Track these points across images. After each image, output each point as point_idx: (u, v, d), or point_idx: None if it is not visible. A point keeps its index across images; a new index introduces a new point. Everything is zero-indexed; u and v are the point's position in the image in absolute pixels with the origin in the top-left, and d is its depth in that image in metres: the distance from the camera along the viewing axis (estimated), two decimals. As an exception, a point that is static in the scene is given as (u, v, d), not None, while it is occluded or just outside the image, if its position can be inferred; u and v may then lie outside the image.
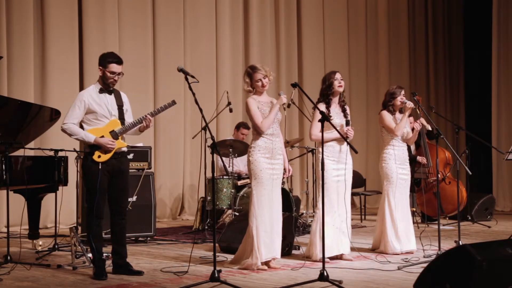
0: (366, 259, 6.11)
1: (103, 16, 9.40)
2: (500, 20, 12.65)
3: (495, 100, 12.65)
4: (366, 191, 10.53)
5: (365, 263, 5.93)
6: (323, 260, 4.99)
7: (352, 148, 5.35)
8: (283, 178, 8.30)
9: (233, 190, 7.96)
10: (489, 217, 9.90)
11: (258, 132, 5.64)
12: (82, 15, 9.28)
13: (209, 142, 5.27)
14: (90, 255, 5.71)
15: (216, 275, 4.86)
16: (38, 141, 7.95)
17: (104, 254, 5.38)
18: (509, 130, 12.54)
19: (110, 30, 9.46)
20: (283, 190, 7.81)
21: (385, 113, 6.66)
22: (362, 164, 12.16)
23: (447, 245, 6.63)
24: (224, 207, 8.10)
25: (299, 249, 6.57)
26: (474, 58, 14.04)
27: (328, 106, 6.10)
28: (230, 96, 8.49)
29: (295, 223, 6.95)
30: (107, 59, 5.29)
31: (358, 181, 10.46)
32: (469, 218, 9.53)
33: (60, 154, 6.52)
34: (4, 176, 5.77)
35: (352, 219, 9.77)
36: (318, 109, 5.61)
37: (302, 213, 8.70)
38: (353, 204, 12.09)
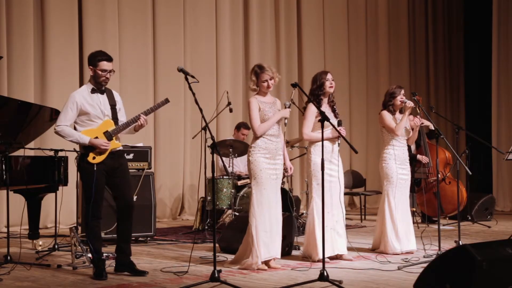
0: (366, 259, 6.11)
1: (103, 16, 9.40)
2: (500, 20, 12.65)
3: (495, 100, 12.65)
4: (366, 191, 10.53)
5: (365, 263, 5.93)
6: (323, 260, 4.99)
7: (352, 148, 5.34)
8: (284, 177, 8.35)
9: (233, 190, 7.96)
10: (489, 217, 9.90)
11: (253, 132, 5.66)
12: (82, 15, 9.29)
13: (209, 142, 5.26)
14: (90, 255, 5.71)
15: (216, 275, 4.86)
16: (38, 141, 7.95)
17: (104, 254, 5.38)
18: (509, 130, 12.54)
19: (110, 30, 9.46)
20: (283, 190, 7.84)
21: (385, 113, 6.66)
22: (362, 164, 12.15)
23: (447, 245, 6.63)
24: (224, 207, 8.10)
25: (299, 249, 6.58)
26: (474, 58, 14.04)
27: (319, 106, 6.10)
28: (230, 96, 8.49)
29: (295, 223, 6.95)
30: (96, 57, 5.25)
31: (358, 181, 10.48)
32: (469, 218, 9.53)
33: (60, 154, 6.51)
34: (4, 176, 5.76)
35: (352, 219, 9.82)
36: (318, 109, 5.61)
37: (302, 213, 8.69)
38: (353, 204, 12.12)
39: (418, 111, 6.80)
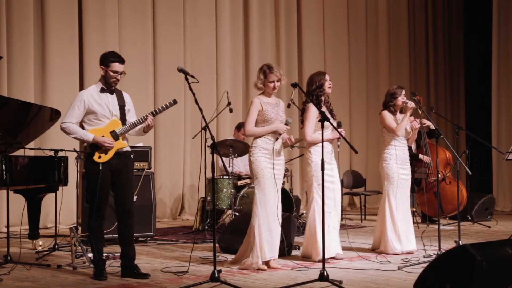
0: (366, 259, 6.11)
1: (103, 16, 9.40)
2: (500, 20, 12.66)
3: (495, 100, 12.65)
4: (366, 191, 10.52)
5: (365, 263, 5.93)
6: (323, 260, 4.99)
7: (352, 148, 5.34)
8: (284, 177, 8.35)
9: (233, 190, 7.96)
10: (489, 217, 9.90)
11: (244, 132, 5.69)
12: (82, 15, 9.29)
13: (209, 142, 5.26)
14: (90, 255, 5.71)
15: (216, 275, 4.86)
16: (38, 141, 7.95)
17: (104, 255, 5.37)
18: (509, 130, 12.54)
19: (110, 30, 9.46)
20: (283, 190, 7.84)
21: (386, 113, 6.66)
22: (362, 164, 12.15)
23: (447, 245, 6.63)
24: (224, 207, 8.10)
25: (299, 249, 6.57)
26: (474, 58, 14.05)
27: (319, 107, 6.10)
28: (230, 96, 8.49)
29: (295, 223, 6.95)
30: (109, 58, 5.26)
31: (358, 181, 10.48)
32: (469, 218, 9.53)
33: (60, 154, 6.51)
34: (4, 176, 5.76)
35: (352, 219, 9.81)
36: (318, 109, 5.61)
37: (302, 213, 8.69)
38: (353, 204, 12.12)
39: (419, 112, 6.80)
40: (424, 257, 6.10)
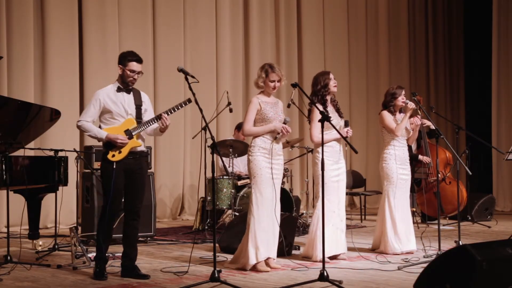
0: (366, 259, 6.11)
1: (103, 16, 9.40)
2: (500, 20, 12.66)
3: (495, 100, 12.65)
4: (366, 191, 10.53)
5: (365, 263, 5.93)
6: (323, 260, 4.99)
7: (352, 148, 5.34)
8: (284, 177, 8.34)
9: (233, 190, 7.96)
10: (489, 217, 9.90)
11: (242, 131, 5.67)
12: (82, 15, 9.29)
13: (209, 142, 5.26)
14: (90, 255, 5.71)
15: (216, 275, 4.86)
16: (38, 141, 7.95)
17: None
18: (509, 130, 12.54)
19: (110, 30, 9.46)
20: (283, 190, 7.84)
21: (385, 113, 6.66)
22: (362, 164, 12.16)
23: (447, 245, 6.63)
24: (224, 207, 8.10)
25: (299, 249, 6.57)
26: (474, 58, 14.05)
27: (325, 107, 6.10)
28: (230, 96, 8.49)
29: (295, 223, 6.95)
30: (127, 57, 5.26)
31: (358, 181, 10.48)
32: (469, 218, 9.53)
33: (60, 154, 6.51)
34: (4, 176, 5.76)
35: (352, 219, 9.82)
36: (318, 109, 5.59)
37: (302, 213, 8.69)
38: (353, 204, 12.12)
39: (419, 112, 6.80)
40: (424, 257, 6.10)
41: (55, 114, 6.47)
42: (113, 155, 5.17)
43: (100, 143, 5.51)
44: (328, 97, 6.17)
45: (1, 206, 8.10)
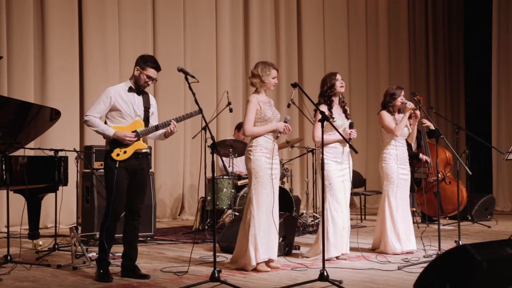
0: (366, 259, 6.11)
1: (103, 16, 9.40)
2: (500, 20, 12.66)
3: (495, 100, 12.66)
4: (366, 191, 10.52)
5: (365, 263, 5.93)
6: (323, 260, 4.99)
7: (352, 148, 5.35)
8: (284, 177, 8.35)
9: (233, 190, 7.96)
10: (489, 217, 9.90)
11: (243, 132, 5.63)
12: (82, 15, 9.29)
13: (209, 142, 5.26)
14: (90, 254, 5.71)
15: (216, 275, 4.86)
16: (38, 141, 7.95)
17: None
18: (509, 130, 12.55)
19: (110, 30, 9.46)
20: (283, 190, 7.85)
21: (384, 113, 6.67)
22: (362, 164, 12.16)
23: (447, 245, 6.63)
24: (224, 207, 8.10)
25: (299, 249, 6.57)
26: (474, 58, 14.05)
27: (330, 108, 6.10)
28: (230, 96, 8.47)
29: (295, 223, 6.95)
30: (147, 62, 5.28)
31: (358, 181, 10.47)
32: (469, 218, 9.53)
33: (60, 154, 6.51)
34: (4, 176, 5.76)
35: (352, 219, 9.82)
36: (319, 110, 5.60)
37: (302, 213, 8.70)
38: (353, 204, 12.11)
39: (419, 112, 6.80)
40: (424, 257, 6.10)
41: (55, 114, 6.47)
42: (118, 154, 5.14)
43: (101, 143, 5.49)
44: (335, 98, 6.16)
45: (1, 206, 8.11)
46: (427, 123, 7.08)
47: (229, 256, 5.98)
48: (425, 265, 4.58)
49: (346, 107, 6.27)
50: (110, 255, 5.87)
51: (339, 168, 6.07)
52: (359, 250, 6.36)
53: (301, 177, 11.53)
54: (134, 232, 5.34)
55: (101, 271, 5.13)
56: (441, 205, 8.91)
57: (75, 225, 7.25)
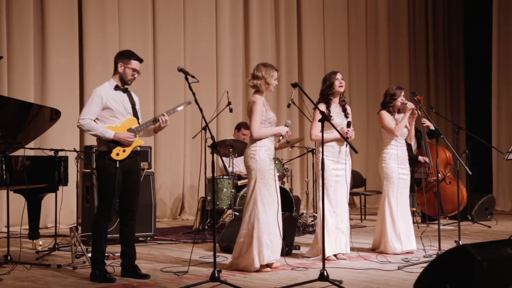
0: (366, 259, 6.10)
1: (103, 16, 9.40)
2: (500, 20, 12.66)
3: (495, 100, 12.66)
4: (366, 191, 10.53)
5: (365, 263, 5.93)
6: (323, 260, 4.99)
7: (352, 148, 5.34)
8: (284, 177, 8.35)
9: (233, 190, 7.96)
10: (489, 217, 9.90)
11: (250, 133, 5.60)
12: (82, 15, 9.29)
13: (209, 142, 5.26)
14: (90, 254, 5.70)
15: (216, 275, 4.86)
16: (38, 141, 7.95)
17: (105, 254, 5.36)
18: (509, 130, 12.54)
19: (110, 30, 9.46)
20: (283, 190, 7.85)
21: (384, 113, 6.67)
22: (362, 164, 12.16)
23: (447, 245, 6.63)
24: (224, 207, 8.10)
25: (299, 249, 6.57)
26: (474, 58, 14.05)
27: (328, 106, 6.11)
28: (230, 96, 8.49)
29: (295, 223, 6.95)
30: (130, 56, 5.22)
31: (358, 181, 10.47)
32: (469, 218, 9.53)
33: (60, 154, 6.51)
34: (4, 176, 5.76)
35: (352, 219, 9.83)
36: (318, 109, 5.61)
37: (302, 213, 8.69)
38: (353, 204, 12.11)
39: (419, 112, 6.80)
40: (424, 257, 6.10)
41: (55, 114, 6.47)
42: (117, 154, 5.11)
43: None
44: (334, 97, 6.16)
45: (1, 206, 8.11)
46: (427, 123, 7.08)
47: (229, 256, 5.98)
48: (425, 265, 4.58)
49: (346, 106, 6.27)
50: (111, 255, 5.89)
51: (334, 167, 6.07)
52: (355, 250, 6.34)
53: (301, 177, 11.53)
54: (132, 232, 5.35)
55: (98, 272, 5.09)
56: (441, 205, 8.91)
57: (75, 225, 7.25)
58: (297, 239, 7.03)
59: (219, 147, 6.39)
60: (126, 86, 5.29)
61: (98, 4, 9.36)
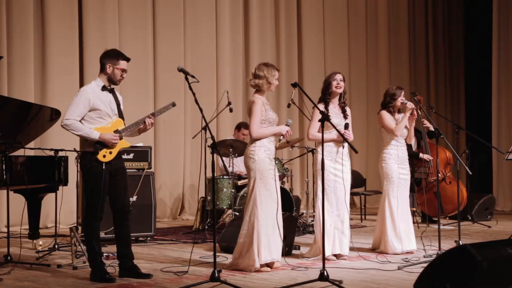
0: (366, 259, 6.10)
1: (103, 16, 9.40)
2: (501, 20, 12.66)
3: (495, 100, 12.65)
4: (366, 191, 10.53)
5: (365, 263, 5.93)
6: (323, 260, 4.99)
7: (352, 148, 5.34)
8: (284, 177, 8.35)
9: (233, 190, 7.96)
10: (489, 217, 9.90)
11: (249, 133, 5.60)
12: (82, 15, 9.29)
13: (209, 142, 5.26)
14: (86, 256, 5.70)
15: (216, 275, 4.86)
16: (38, 141, 7.95)
17: (104, 254, 5.36)
18: (509, 130, 12.54)
19: (110, 30, 9.46)
20: (283, 190, 7.84)
21: (384, 113, 6.67)
22: (362, 164, 12.16)
23: (447, 245, 6.63)
24: (224, 207, 8.10)
25: (299, 249, 6.57)
26: (474, 58, 14.04)
27: (326, 106, 6.11)
28: (230, 96, 8.48)
29: (295, 223, 6.95)
30: (118, 56, 5.18)
31: (358, 181, 10.47)
32: (469, 218, 9.53)
33: (60, 154, 6.51)
34: (4, 176, 5.76)
35: (352, 219, 9.83)
36: (318, 109, 5.60)
37: (302, 213, 8.70)
38: (353, 204, 12.11)
39: (420, 112, 6.80)
40: (424, 257, 6.10)
41: (55, 114, 6.47)
42: (104, 156, 5.10)
43: None
44: (332, 97, 6.16)
45: (1, 206, 8.11)
46: (427, 124, 7.08)
47: (229, 256, 5.98)
48: (425, 265, 4.59)
49: (346, 108, 6.27)
50: (111, 255, 5.89)
51: (333, 166, 6.06)
52: (355, 250, 6.34)
53: (301, 177, 11.53)
54: (128, 232, 5.34)
55: (99, 273, 5.08)
56: (441, 205, 8.91)
57: (75, 225, 7.24)
58: (297, 239, 7.03)
59: (219, 147, 6.39)
60: (113, 86, 5.26)
61: (98, 4, 9.36)
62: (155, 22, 10.05)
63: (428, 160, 8.97)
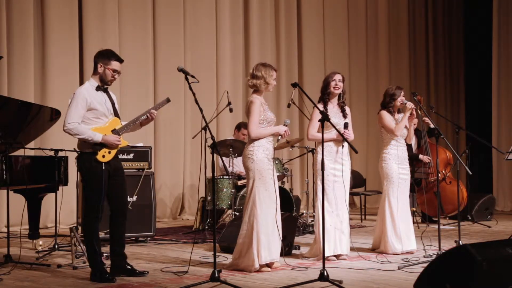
0: (366, 259, 6.10)
1: (103, 16, 9.40)
2: (501, 20, 12.65)
3: (495, 100, 12.65)
4: (366, 191, 10.53)
5: (365, 263, 5.93)
6: (323, 260, 4.99)
7: (352, 148, 5.34)
8: (284, 177, 8.35)
9: (233, 190, 7.96)
10: (489, 217, 9.90)
11: (248, 133, 5.60)
12: (82, 15, 9.29)
13: (209, 142, 5.26)
14: (85, 256, 5.70)
15: (216, 275, 4.86)
16: (38, 141, 7.95)
17: (104, 254, 5.37)
18: (509, 130, 12.54)
19: (110, 30, 9.46)
20: (283, 190, 7.85)
21: (384, 113, 6.67)
22: (362, 164, 12.16)
23: (447, 245, 6.63)
24: (224, 207, 8.10)
25: (299, 249, 6.57)
26: (474, 58, 14.04)
27: (325, 106, 6.12)
28: (230, 96, 8.49)
29: (295, 223, 6.95)
30: (110, 56, 5.16)
31: (358, 181, 10.47)
32: (469, 218, 9.53)
33: (60, 154, 6.51)
34: (4, 176, 5.76)
35: (352, 219, 9.83)
36: (318, 109, 5.60)
37: (302, 213, 8.70)
38: (353, 204, 12.12)
39: (420, 112, 6.80)
40: (424, 257, 6.10)
41: (55, 114, 6.47)
42: (103, 156, 5.11)
43: None
44: (332, 98, 6.17)
45: (1, 206, 8.11)
46: (426, 119, 7.09)
47: (229, 256, 5.98)
48: (425, 265, 4.59)
49: (345, 107, 6.27)
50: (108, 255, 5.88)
51: (332, 166, 6.06)
52: (355, 250, 6.34)
53: (301, 177, 11.52)
54: (124, 232, 5.37)
55: (100, 274, 5.08)
56: (441, 205, 8.91)
57: (75, 225, 7.24)
58: (297, 239, 7.03)
59: (219, 147, 6.39)
60: (106, 86, 5.25)
61: (98, 4, 9.36)
62: (155, 22, 10.05)
63: (427, 161, 8.97)
